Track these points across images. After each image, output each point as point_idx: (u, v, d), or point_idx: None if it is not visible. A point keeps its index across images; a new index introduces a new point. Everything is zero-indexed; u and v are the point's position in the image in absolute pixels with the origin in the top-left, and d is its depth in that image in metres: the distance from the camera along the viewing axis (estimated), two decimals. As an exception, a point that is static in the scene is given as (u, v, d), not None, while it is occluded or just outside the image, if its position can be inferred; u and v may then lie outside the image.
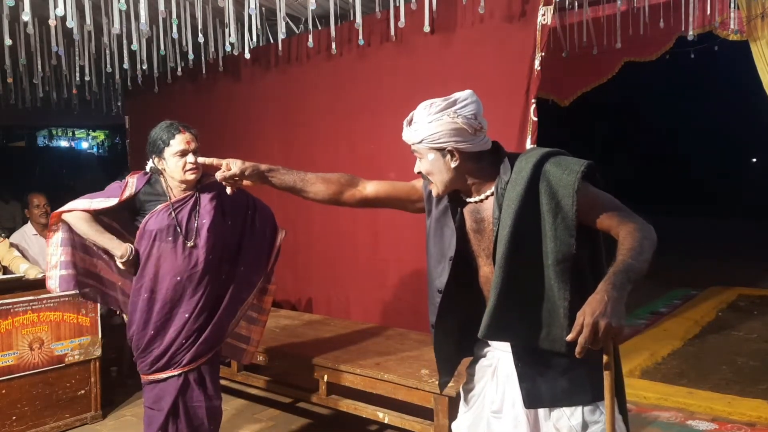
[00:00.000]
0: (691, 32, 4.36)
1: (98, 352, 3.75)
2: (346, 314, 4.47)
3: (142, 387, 2.70)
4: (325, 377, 3.23)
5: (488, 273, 1.72)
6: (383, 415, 3.09)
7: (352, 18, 4.19)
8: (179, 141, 2.52)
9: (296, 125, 4.85)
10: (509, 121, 3.61)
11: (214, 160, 1.94)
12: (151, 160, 2.63)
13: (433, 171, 1.70)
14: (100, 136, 14.89)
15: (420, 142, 1.68)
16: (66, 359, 3.61)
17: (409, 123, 1.72)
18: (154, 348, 2.60)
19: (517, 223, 1.59)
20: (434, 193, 1.75)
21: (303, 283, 4.82)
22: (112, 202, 2.59)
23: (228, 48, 4.39)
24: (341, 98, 4.55)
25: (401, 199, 1.95)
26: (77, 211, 2.62)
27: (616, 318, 1.32)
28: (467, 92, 1.69)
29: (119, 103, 7.25)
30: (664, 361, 4.80)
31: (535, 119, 3.59)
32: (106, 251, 2.71)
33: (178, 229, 2.58)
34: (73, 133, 14.62)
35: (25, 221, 4.82)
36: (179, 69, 4.85)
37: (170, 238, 2.58)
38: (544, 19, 3.55)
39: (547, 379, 1.66)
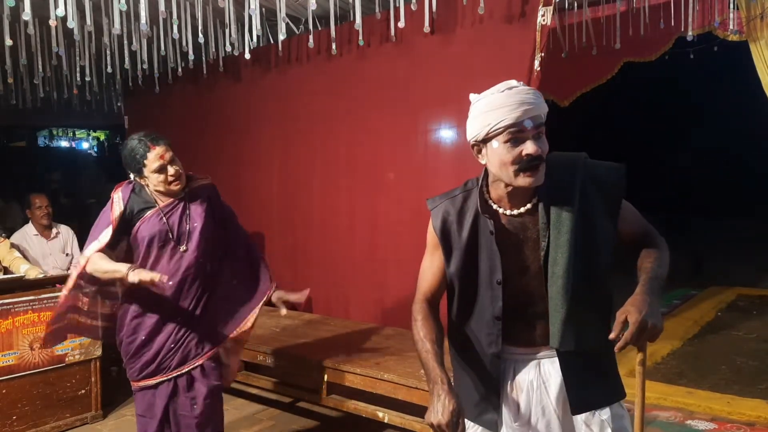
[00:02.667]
0: (690, 33, 4.37)
1: (99, 352, 3.75)
2: (345, 314, 4.48)
3: (133, 394, 2.68)
4: (326, 377, 3.23)
5: (519, 284, 1.63)
6: (383, 415, 3.09)
7: (352, 18, 4.20)
8: (153, 157, 2.48)
9: (296, 125, 4.86)
10: (509, 122, 3.61)
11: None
12: (132, 177, 2.61)
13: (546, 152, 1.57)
14: (101, 136, 14.88)
15: (545, 112, 1.57)
16: (66, 359, 3.62)
17: (539, 96, 1.56)
18: (144, 353, 2.58)
19: (574, 230, 1.55)
20: (537, 182, 1.53)
21: (302, 283, 4.76)
22: (111, 229, 2.53)
23: (228, 48, 4.40)
24: (341, 98, 4.55)
25: (444, 276, 1.73)
26: (93, 256, 2.51)
27: (658, 319, 1.39)
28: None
29: (120, 104, 7.26)
30: (663, 360, 4.80)
31: (535, 119, 3.60)
32: (115, 280, 2.57)
33: (170, 234, 2.56)
34: (74, 134, 14.62)
35: (26, 221, 4.82)
36: (179, 69, 4.85)
37: (162, 243, 2.56)
38: (544, 20, 3.56)
39: (590, 383, 1.64)
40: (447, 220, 1.67)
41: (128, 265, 2.47)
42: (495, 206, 1.63)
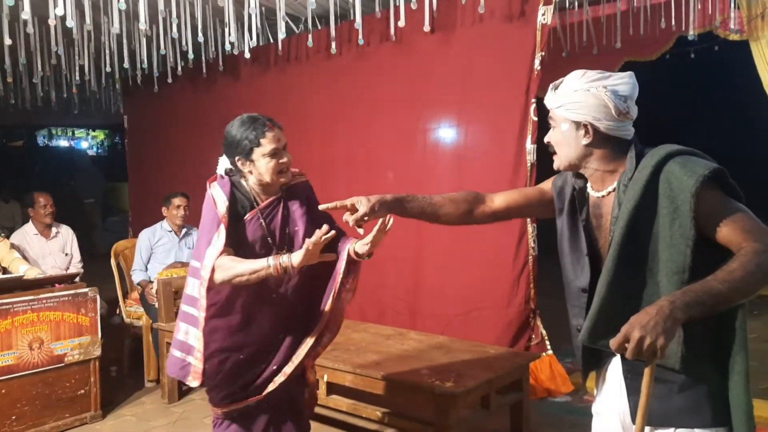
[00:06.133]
0: (691, 32, 4.37)
1: (98, 352, 3.74)
2: (344, 314, 4.46)
3: (214, 424, 2.36)
4: (325, 377, 3.22)
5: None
6: (383, 415, 3.08)
7: (351, 18, 4.20)
8: (270, 139, 2.20)
9: (295, 124, 4.84)
10: (509, 121, 3.61)
11: (338, 204, 1.83)
12: (230, 161, 2.25)
13: (561, 143, 1.61)
14: (100, 135, 14.89)
15: (559, 107, 1.58)
16: (66, 359, 3.61)
17: (556, 87, 1.61)
18: (242, 374, 2.27)
19: (630, 226, 1.48)
20: (555, 166, 1.66)
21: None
22: (223, 227, 2.14)
23: (228, 48, 4.40)
24: (340, 98, 4.55)
25: (533, 205, 1.85)
26: (221, 261, 2.10)
27: (657, 336, 1.27)
28: (627, 73, 1.57)
29: (119, 103, 7.27)
30: (663, 361, 4.79)
31: (536, 119, 3.59)
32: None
33: (269, 239, 2.23)
34: (73, 133, 14.62)
35: (26, 221, 4.82)
36: (179, 68, 4.85)
37: (263, 251, 2.21)
38: (544, 19, 3.55)
39: (658, 395, 1.45)
40: (563, 181, 1.75)
41: (265, 260, 2.08)
42: (588, 183, 1.66)
